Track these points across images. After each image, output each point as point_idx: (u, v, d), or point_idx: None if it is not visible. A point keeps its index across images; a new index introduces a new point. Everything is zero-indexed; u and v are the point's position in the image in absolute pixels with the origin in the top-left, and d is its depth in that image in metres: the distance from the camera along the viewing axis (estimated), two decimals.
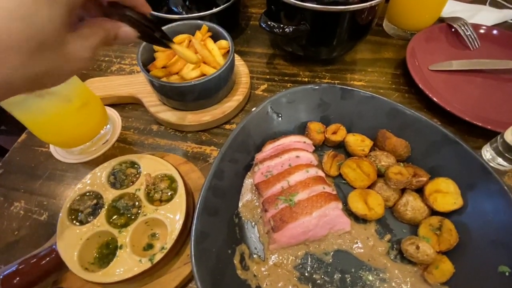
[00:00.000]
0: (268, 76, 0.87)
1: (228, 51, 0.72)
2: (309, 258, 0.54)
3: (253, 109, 0.64)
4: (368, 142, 0.64)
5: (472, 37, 0.88)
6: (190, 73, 0.69)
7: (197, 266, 0.45)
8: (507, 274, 0.44)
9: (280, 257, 0.54)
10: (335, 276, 0.52)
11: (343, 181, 0.62)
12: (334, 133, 0.66)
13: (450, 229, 0.51)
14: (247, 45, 0.95)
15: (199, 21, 0.76)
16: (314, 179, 0.57)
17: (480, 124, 0.66)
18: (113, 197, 0.53)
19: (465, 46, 0.89)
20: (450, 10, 0.97)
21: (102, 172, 0.56)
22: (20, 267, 0.47)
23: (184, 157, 0.69)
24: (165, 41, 0.49)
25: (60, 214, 0.51)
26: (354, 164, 0.60)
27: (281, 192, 0.56)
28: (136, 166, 0.58)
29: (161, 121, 0.76)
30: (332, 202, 0.54)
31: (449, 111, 0.69)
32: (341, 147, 0.67)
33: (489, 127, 0.66)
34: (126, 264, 0.47)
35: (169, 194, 0.54)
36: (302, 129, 0.68)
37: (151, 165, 0.57)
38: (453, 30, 0.90)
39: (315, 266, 0.53)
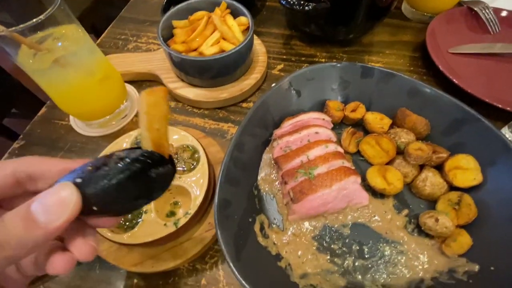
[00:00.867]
0: (284, 57, 0.86)
1: (247, 28, 0.72)
2: (327, 230, 0.55)
3: (273, 85, 0.64)
4: (387, 120, 0.64)
5: (493, 21, 0.87)
6: (209, 49, 0.69)
7: (220, 230, 0.46)
8: None
9: (299, 228, 0.55)
10: (353, 247, 0.53)
11: (361, 158, 0.63)
12: (353, 110, 0.66)
13: (469, 204, 0.51)
14: (263, 26, 0.94)
15: None
16: (333, 154, 0.57)
17: (500, 106, 0.66)
18: None
19: (486, 30, 0.88)
20: None
21: (125, 141, 0.57)
22: None
23: (203, 133, 0.69)
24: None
25: None
26: (373, 140, 0.60)
27: (301, 165, 0.57)
28: None
29: (179, 98, 0.76)
30: (352, 176, 0.54)
31: (469, 92, 0.68)
32: (359, 125, 0.67)
33: (508, 108, 0.66)
34: (152, 227, 0.48)
35: (191, 164, 0.55)
36: (321, 107, 0.68)
37: (173, 135, 0.58)
38: (473, 13, 0.89)
39: (333, 237, 0.54)
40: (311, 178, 0.55)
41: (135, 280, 0.53)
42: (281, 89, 0.65)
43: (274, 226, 0.55)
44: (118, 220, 0.41)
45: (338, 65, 0.66)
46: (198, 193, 0.51)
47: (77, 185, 0.27)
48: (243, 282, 0.42)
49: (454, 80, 0.71)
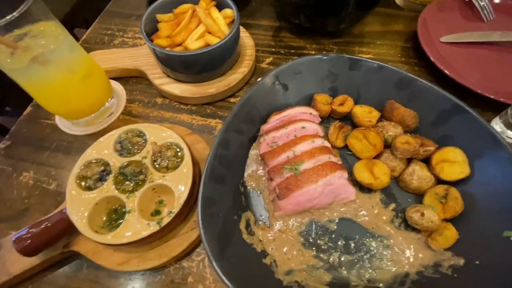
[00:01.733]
0: (273, 49, 0.85)
1: (233, 21, 0.70)
2: (314, 225, 0.55)
3: (259, 79, 0.63)
4: (376, 114, 0.63)
5: (487, 8, 0.85)
6: (194, 43, 0.67)
7: (204, 229, 0.46)
8: (511, 239, 0.44)
9: (285, 224, 0.55)
10: (339, 242, 0.53)
11: (349, 153, 0.62)
12: (341, 104, 0.65)
13: (456, 197, 0.51)
14: (252, 18, 0.92)
15: None
16: (320, 149, 0.57)
17: (492, 97, 0.65)
18: (120, 164, 0.54)
19: (479, 17, 0.85)
20: None
21: (108, 140, 0.56)
22: (32, 230, 0.49)
23: (189, 129, 0.68)
24: None
25: (69, 180, 0.52)
26: (360, 134, 0.59)
27: (287, 161, 0.56)
28: (142, 134, 0.58)
29: (166, 94, 0.75)
30: (338, 171, 0.54)
31: (460, 83, 0.67)
32: (347, 119, 0.66)
33: (501, 99, 0.64)
34: (135, 227, 0.48)
35: (175, 162, 0.55)
36: (308, 101, 0.67)
37: (157, 134, 0.57)
38: (466, 0, 0.86)
39: (319, 232, 0.54)
40: (297, 174, 0.54)
41: (122, 279, 0.53)
42: (267, 84, 0.64)
43: (260, 223, 0.55)
44: None
45: (325, 57, 0.64)
46: (182, 191, 0.51)
47: None
48: (226, 281, 0.42)
49: (446, 71, 0.69)
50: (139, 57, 0.79)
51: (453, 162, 0.53)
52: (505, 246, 0.45)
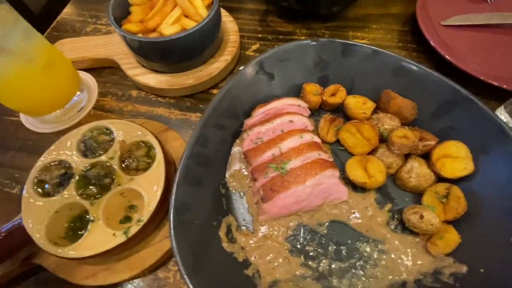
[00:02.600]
0: (260, 35, 0.78)
1: (212, 2, 0.63)
2: (302, 230, 0.50)
3: (241, 67, 0.57)
4: (370, 105, 0.57)
5: None
6: (169, 28, 0.60)
7: (176, 239, 0.40)
8: None
9: (271, 229, 0.49)
10: (329, 248, 0.48)
11: (341, 148, 0.56)
12: (333, 94, 0.59)
13: (458, 197, 0.46)
14: (236, 1, 0.84)
15: None
16: (309, 145, 0.51)
17: (496, 84, 0.59)
18: (84, 167, 0.48)
19: None
20: None
21: (70, 139, 0.50)
22: None
23: (167, 124, 0.62)
24: None
25: (25, 186, 0.46)
26: (353, 128, 0.54)
27: (272, 159, 0.51)
28: (109, 132, 0.51)
29: (141, 86, 0.68)
30: (328, 170, 0.48)
31: (462, 69, 0.61)
32: (340, 111, 0.60)
33: (504, 86, 0.59)
34: (99, 238, 0.42)
35: (146, 162, 0.49)
36: (297, 91, 0.61)
37: (126, 131, 0.51)
38: None
39: (308, 237, 0.49)
40: (283, 173, 0.49)
41: None
42: (250, 73, 0.57)
43: (243, 228, 0.50)
44: None
45: (315, 43, 0.58)
46: (152, 196, 0.45)
47: None
48: None
49: (446, 56, 0.63)
50: (111, 45, 0.72)
51: (456, 158, 0.48)
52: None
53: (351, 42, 0.58)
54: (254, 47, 0.76)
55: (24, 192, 0.45)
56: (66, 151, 0.49)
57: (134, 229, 0.43)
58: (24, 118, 0.66)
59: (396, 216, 0.50)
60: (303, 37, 0.76)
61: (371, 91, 0.58)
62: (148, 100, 0.68)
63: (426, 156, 0.52)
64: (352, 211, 0.50)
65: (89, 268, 0.46)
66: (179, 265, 0.39)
